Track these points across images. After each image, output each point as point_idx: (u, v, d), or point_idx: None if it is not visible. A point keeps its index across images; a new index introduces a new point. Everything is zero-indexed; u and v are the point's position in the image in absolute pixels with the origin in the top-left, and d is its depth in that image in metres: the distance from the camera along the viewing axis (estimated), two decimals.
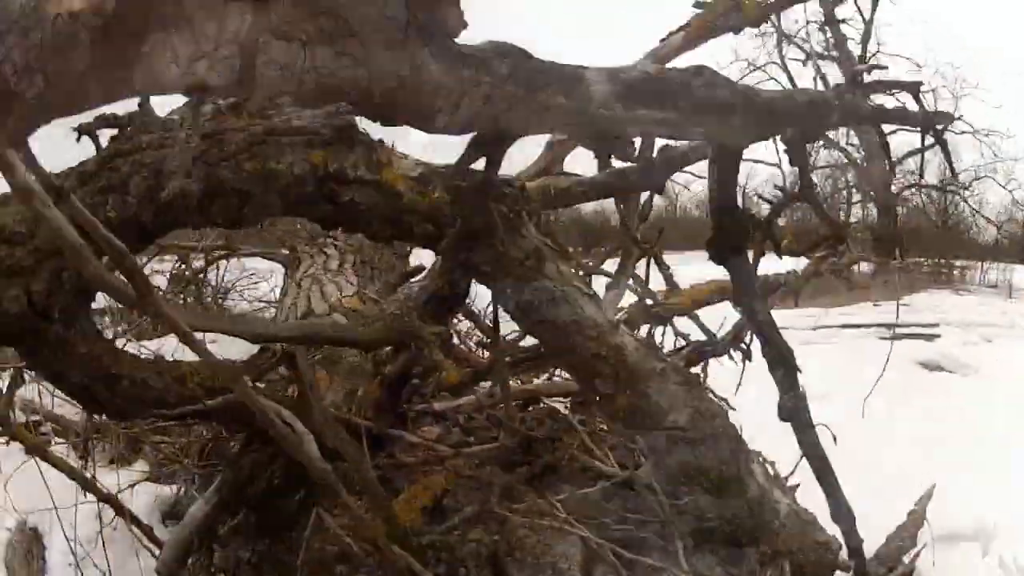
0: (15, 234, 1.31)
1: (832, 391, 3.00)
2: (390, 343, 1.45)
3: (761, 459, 1.77)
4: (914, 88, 2.06)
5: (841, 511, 1.85)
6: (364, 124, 1.42)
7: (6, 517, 3.04)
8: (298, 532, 1.86)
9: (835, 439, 1.94)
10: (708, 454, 1.57)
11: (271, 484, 1.94)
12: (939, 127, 2.01)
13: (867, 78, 2.03)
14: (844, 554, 1.85)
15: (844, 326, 3.90)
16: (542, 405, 1.85)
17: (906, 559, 2.27)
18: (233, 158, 1.44)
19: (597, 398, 1.46)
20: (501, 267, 1.36)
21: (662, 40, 1.82)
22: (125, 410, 1.84)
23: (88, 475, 2.64)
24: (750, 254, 1.72)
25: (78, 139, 2.10)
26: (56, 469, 2.54)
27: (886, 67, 2.07)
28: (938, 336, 6.48)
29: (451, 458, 1.58)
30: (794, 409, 1.78)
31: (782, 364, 1.75)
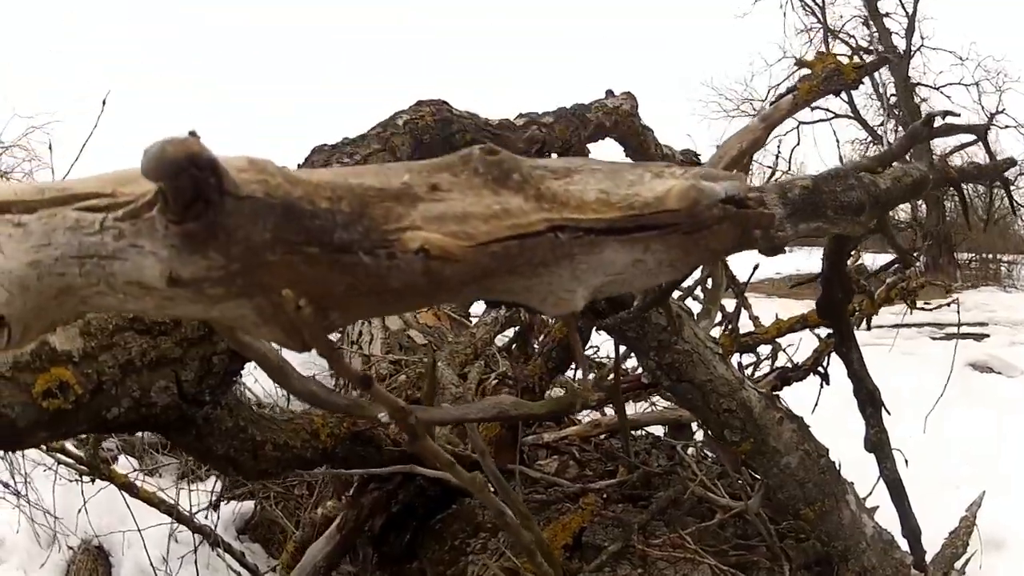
0: (157, 324, 1.36)
1: (886, 394, 3.25)
2: (563, 411, 1.69)
3: (852, 486, 2.08)
4: (981, 131, 2.35)
5: (910, 527, 2.20)
6: None
7: (69, 536, 3.26)
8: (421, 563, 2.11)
9: (907, 462, 2.25)
10: (813, 489, 1.85)
11: (389, 520, 2.19)
12: (1006, 173, 2.32)
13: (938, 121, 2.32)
14: None
15: (896, 326, 4.19)
16: (642, 433, 2.12)
17: (958, 565, 2.62)
18: None
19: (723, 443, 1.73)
20: (646, 334, 1.61)
21: (772, 103, 2.05)
22: (267, 473, 2.04)
23: (183, 508, 2.87)
24: None
25: None
26: (148, 504, 2.77)
27: (959, 114, 2.33)
28: (987, 336, 6.86)
29: (580, 494, 1.84)
30: (878, 442, 2.10)
31: (870, 403, 2.05)
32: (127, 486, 2.62)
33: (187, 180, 0.52)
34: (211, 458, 1.73)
